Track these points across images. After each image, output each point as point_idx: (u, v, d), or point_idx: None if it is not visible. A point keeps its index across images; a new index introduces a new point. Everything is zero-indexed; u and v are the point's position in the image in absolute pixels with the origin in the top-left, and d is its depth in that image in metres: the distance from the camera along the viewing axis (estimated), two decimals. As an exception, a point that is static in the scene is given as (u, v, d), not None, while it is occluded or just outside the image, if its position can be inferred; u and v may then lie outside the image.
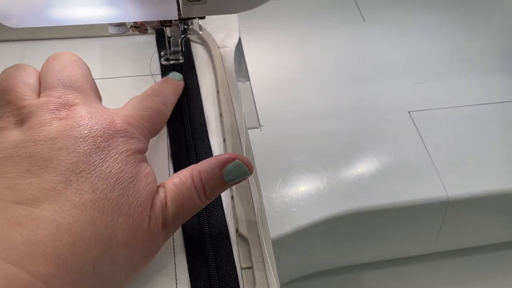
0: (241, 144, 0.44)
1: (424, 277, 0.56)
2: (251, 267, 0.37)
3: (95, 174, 0.29)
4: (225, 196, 0.42)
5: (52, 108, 0.31)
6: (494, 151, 0.50)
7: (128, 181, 0.30)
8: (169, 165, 0.43)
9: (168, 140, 0.45)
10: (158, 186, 0.34)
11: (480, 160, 0.48)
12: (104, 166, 0.30)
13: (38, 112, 0.30)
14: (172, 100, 0.42)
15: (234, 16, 0.56)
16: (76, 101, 0.32)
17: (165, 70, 0.51)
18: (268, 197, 0.44)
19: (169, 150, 0.44)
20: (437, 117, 0.52)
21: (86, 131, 0.30)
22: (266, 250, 0.36)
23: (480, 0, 0.67)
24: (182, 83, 0.44)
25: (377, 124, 0.51)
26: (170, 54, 0.50)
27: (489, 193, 0.46)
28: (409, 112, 0.52)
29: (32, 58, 0.52)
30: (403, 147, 0.49)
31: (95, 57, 0.53)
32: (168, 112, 0.40)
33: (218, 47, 0.53)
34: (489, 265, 0.57)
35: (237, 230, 0.39)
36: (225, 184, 0.35)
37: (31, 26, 0.36)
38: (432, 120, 0.51)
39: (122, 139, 0.32)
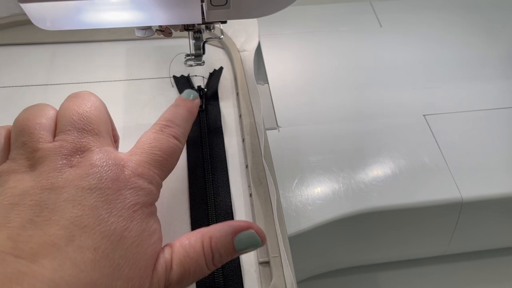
0: (259, 144, 0.45)
1: (437, 279, 0.57)
2: (268, 262, 0.38)
3: (99, 231, 0.28)
4: (243, 193, 0.43)
5: (64, 153, 0.31)
6: (508, 154, 0.50)
7: (131, 241, 0.29)
8: (186, 167, 0.45)
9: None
10: (165, 246, 0.33)
11: (494, 163, 0.49)
12: (110, 222, 0.29)
13: (51, 157, 0.30)
14: (186, 128, 0.39)
15: (254, 21, 0.58)
16: (89, 146, 0.32)
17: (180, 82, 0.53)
18: (285, 196, 0.45)
19: (186, 150, 0.46)
20: (452, 121, 0.53)
21: (94, 182, 0.30)
22: (282, 245, 0.38)
23: (497, 7, 0.68)
24: (197, 102, 0.42)
25: (392, 127, 0.52)
26: (193, 57, 0.52)
27: (503, 195, 0.46)
28: (424, 115, 0.53)
29: (60, 60, 0.55)
30: (417, 150, 0.50)
31: (121, 60, 0.55)
32: (181, 146, 0.38)
33: (238, 51, 0.55)
34: (502, 269, 0.57)
35: (254, 227, 0.40)
36: (235, 252, 0.33)
37: (64, 29, 0.37)
38: (447, 124, 0.52)
39: (130, 191, 0.31)
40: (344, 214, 0.44)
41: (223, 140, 0.47)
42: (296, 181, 0.47)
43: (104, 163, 0.31)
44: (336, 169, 0.48)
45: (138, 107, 0.50)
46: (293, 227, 0.43)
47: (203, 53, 0.52)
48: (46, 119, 0.33)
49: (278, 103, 0.54)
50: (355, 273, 0.56)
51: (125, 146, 0.46)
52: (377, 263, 0.57)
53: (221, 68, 0.53)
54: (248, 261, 0.38)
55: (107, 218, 0.29)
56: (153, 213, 0.33)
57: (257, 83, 0.53)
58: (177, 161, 0.37)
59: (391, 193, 0.46)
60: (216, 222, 0.40)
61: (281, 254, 0.38)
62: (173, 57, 0.54)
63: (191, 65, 0.50)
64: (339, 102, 0.55)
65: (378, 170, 0.48)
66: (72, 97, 0.35)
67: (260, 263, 0.38)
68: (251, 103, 0.49)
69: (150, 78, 0.53)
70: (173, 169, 0.37)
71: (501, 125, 0.53)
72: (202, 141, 0.46)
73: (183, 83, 0.52)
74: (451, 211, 0.46)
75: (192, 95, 0.42)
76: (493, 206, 0.47)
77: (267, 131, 0.48)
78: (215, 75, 0.53)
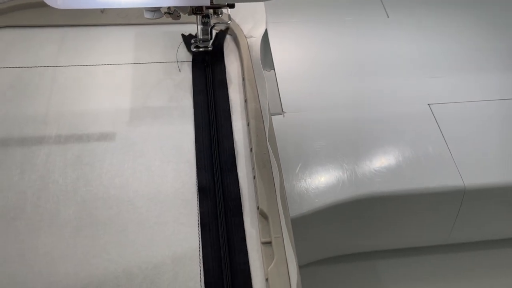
0: (264, 128, 0.46)
1: (437, 268, 0.57)
2: (270, 242, 0.39)
3: None
4: (247, 176, 0.44)
5: None
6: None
7: None
8: (194, 150, 0.46)
9: (193, 123, 0.47)
10: None
11: (498, 153, 0.49)
12: None
13: None
14: None
15: (262, 8, 0.58)
16: None
17: (195, 57, 0.53)
18: (288, 180, 0.46)
19: (194, 133, 0.47)
20: (456, 111, 0.53)
21: None
22: (285, 225, 0.38)
23: (505, 0, 0.68)
24: None
25: (397, 115, 0.52)
26: (200, 42, 0.52)
27: (506, 184, 0.47)
28: (429, 104, 0.54)
29: (70, 42, 0.55)
30: (422, 137, 0.50)
31: (129, 43, 0.56)
32: None
33: (246, 37, 0.56)
34: (502, 260, 0.58)
35: (258, 208, 0.41)
36: None
37: (74, 7, 0.38)
38: (451, 113, 0.53)
39: None
40: (346, 199, 0.45)
41: (230, 122, 0.47)
42: (299, 165, 0.48)
43: None
44: (340, 155, 0.48)
45: (145, 90, 0.51)
46: (295, 210, 0.44)
47: (211, 38, 0.53)
48: None
49: (284, 89, 0.55)
50: (355, 261, 0.57)
51: (133, 128, 0.47)
52: (378, 251, 0.57)
53: (227, 29, 0.54)
54: (251, 241, 0.39)
55: None
56: None
57: (264, 69, 0.53)
58: None
59: (394, 180, 0.46)
60: (224, 206, 0.41)
61: (283, 234, 0.38)
62: (180, 42, 0.55)
63: (198, 49, 0.51)
64: (344, 89, 0.55)
65: (381, 157, 0.48)
66: None
67: (263, 243, 0.39)
68: (257, 88, 0.50)
69: (158, 62, 0.54)
70: None
71: (505, 115, 0.53)
72: (209, 112, 0.46)
73: (190, 39, 0.53)
74: (453, 199, 0.46)
75: None
76: (495, 195, 0.47)
77: (272, 116, 0.49)
78: (221, 34, 0.54)
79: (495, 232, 0.56)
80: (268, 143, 0.44)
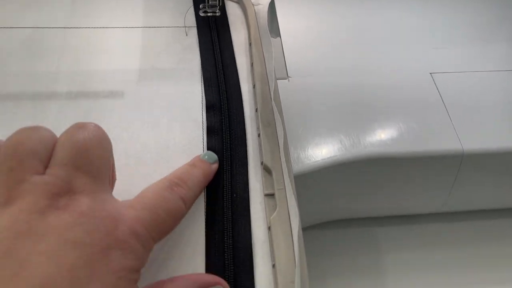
0: (269, 90, 0.47)
1: (434, 237, 0.59)
2: (273, 194, 0.40)
3: None
4: (252, 134, 0.45)
5: (53, 191, 0.26)
6: (512, 112, 0.52)
7: None
8: (202, 111, 0.47)
9: (202, 86, 0.49)
10: None
11: (498, 120, 0.50)
12: None
13: (36, 193, 0.25)
14: (197, 193, 0.37)
15: (269, -24, 0.59)
16: (83, 189, 0.27)
17: (201, 23, 0.54)
18: (292, 139, 0.47)
19: (203, 95, 0.48)
20: (458, 80, 0.54)
21: (81, 235, 0.25)
22: (288, 178, 0.39)
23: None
24: (215, 167, 0.39)
25: (399, 82, 0.53)
26: (208, 7, 0.53)
27: (505, 149, 0.48)
28: (431, 73, 0.54)
29: (81, 4, 0.56)
30: (422, 104, 0.51)
31: (139, 7, 0.57)
32: (186, 210, 0.34)
33: (253, 4, 0.57)
34: (499, 230, 0.59)
35: (262, 163, 0.42)
36: None
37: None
38: (453, 82, 0.54)
39: (119, 252, 0.26)
40: (346, 159, 0.46)
41: (239, 83, 0.49)
42: (302, 127, 0.49)
43: (97, 214, 0.27)
44: (342, 118, 0.49)
45: (154, 52, 0.52)
46: (296, 167, 0.45)
47: (219, 4, 0.54)
48: (42, 146, 0.28)
49: (289, 55, 0.56)
50: (353, 227, 0.58)
51: (141, 87, 0.48)
52: (376, 217, 0.59)
53: None
54: (255, 194, 0.40)
55: (86, 284, 0.24)
56: (137, 280, 0.28)
57: (270, 36, 0.54)
58: (176, 225, 0.33)
59: (394, 142, 0.47)
60: (231, 153, 0.43)
61: (286, 186, 0.39)
62: (189, 6, 0.56)
63: (206, 14, 0.52)
64: (348, 57, 0.56)
65: (382, 121, 0.49)
66: (77, 127, 0.30)
67: (266, 195, 0.40)
68: (263, 53, 0.51)
69: (167, 27, 0.55)
70: (169, 233, 0.33)
71: (508, 86, 0.54)
72: (220, 93, 0.47)
73: (199, 3, 0.54)
74: (452, 162, 0.47)
75: (213, 159, 0.40)
76: (493, 160, 0.48)
77: (277, 81, 0.50)
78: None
79: (493, 201, 0.57)
80: (273, 102, 0.45)
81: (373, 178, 0.49)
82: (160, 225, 0.30)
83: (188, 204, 0.34)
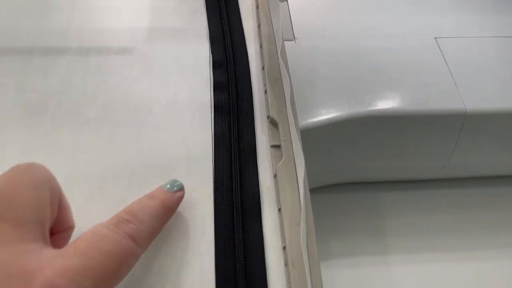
0: (276, 49, 0.48)
1: (434, 203, 0.60)
2: (279, 145, 0.41)
3: None
4: (259, 91, 0.46)
5: None
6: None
7: None
8: (209, 69, 0.48)
9: (209, 46, 0.49)
10: None
11: (501, 82, 0.50)
12: None
13: None
14: (154, 227, 0.31)
15: None
16: None
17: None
18: (298, 96, 0.47)
19: (210, 54, 0.49)
20: (462, 45, 0.54)
21: None
22: (294, 129, 0.40)
23: None
24: (179, 196, 0.35)
25: (404, 46, 0.54)
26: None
27: (507, 110, 0.48)
28: (435, 38, 0.55)
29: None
30: (426, 67, 0.52)
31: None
32: (139, 250, 0.29)
33: (260, -33, 0.57)
34: (501, 197, 0.60)
35: (268, 117, 0.43)
36: None
37: None
38: (457, 47, 0.54)
39: None
40: (350, 116, 0.47)
41: (245, 43, 0.49)
42: (308, 85, 0.49)
43: (6, 271, 0.22)
44: (347, 79, 0.50)
45: (163, 13, 0.53)
46: (301, 125, 0.46)
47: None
48: None
49: (296, 18, 0.56)
50: (356, 191, 0.59)
51: (150, 45, 0.49)
52: (378, 182, 0.59)
53: None
54: (261, 146, 0.41)
55: None
56: None
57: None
58: (129, 270, 0.28)
59: (398, 102, 0.48)
60: (237, 108, 0.43)
61: (292, 137, 0.40)
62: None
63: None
64: (354, 20, 0.56)
65: (387, 83, 0.50)
66: (14, 169, 0.27)
67: (272, 146, 0.41)
68: (270, 14, 0.52)
69: None
70: (119, 282, 0.27)
71: (511, 51, 0.55)
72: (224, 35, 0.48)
73: None
74: (455, 122, 0.48)
75: (176, 186, 0.35)
76: (496, 121, 0.49)
77: (284, 42, 0.50)
78: None
79: (495, 167, 0.58)
80: (280, 60, 0.46)
81: (377, 137, 0.49)
82: (98, 271, 0.25)
83: (142, 241, 0.29)
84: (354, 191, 0.60)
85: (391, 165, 0.54)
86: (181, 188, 0.35)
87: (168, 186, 0.35)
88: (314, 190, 0.57)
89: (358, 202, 0.60)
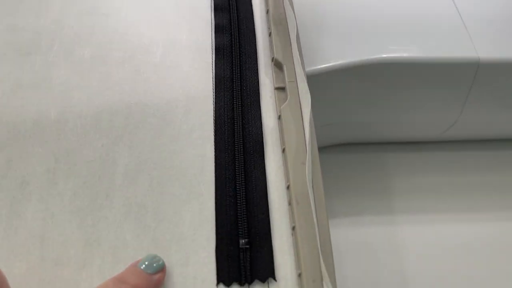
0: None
1: (439, 165, 0.59)
2: (284, 88, 0.39)
3: None
4: (263, 32, 0.44)
5: None
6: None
7: None
8: (211, 11, 0.45)
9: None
10: None
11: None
12: None
13: None
14: None
15: None
16: None
17: None
18: (304, 41, 0.45)
19: (212, 0, 0.46)
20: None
21: None
22: (300, 69, 0.38)
23: None
24: (158, 277, 0.27)
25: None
26: None
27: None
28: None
29: None
30: (438, 16, 0.49)
31: None
32: None
33: None
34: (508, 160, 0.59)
35: (273, 59, 0.41)
36: None
37: None
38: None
39: None
40: (359, 62, 0.45)
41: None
42: (315, 29, 0.47)
43: None
44: (356, 24, 0.48)
45: None
46: (307, 70, 0.44)
47: None
48: None
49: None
50: (359, 152, 0.58)
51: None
52: (382, 142, 0.58)
53: None
54: (264, 89, 0.39)
55: None
56: None
57: None
58: None
59: (407, 48, 0.46)
60: (240, 50, 0.41)
61: (297, 77, 0.38)
62: None
63: None
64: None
65: (397, 30, 0.48)
66: None
67: (276, 89, 0.39)
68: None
69: None
70: None
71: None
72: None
73: None
74: (467, 71, 0.46)
75: (154, 264, 0.28)
76: (509, 71, 0.47)
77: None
78: None
79: (505, 128, 0.56)
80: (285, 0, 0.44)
81: (385, 86, 0.47)
82: None
83: None
84: (359, 152, 0.58)
85: (398, 120, 0.52)
86: (161, 269, 0.28)
87: (145, 265, 0.27)
88: (318, 150, 0.56)
89: (363, 163, 0.58)
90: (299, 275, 0.29)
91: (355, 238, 0.53)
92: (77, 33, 0.42)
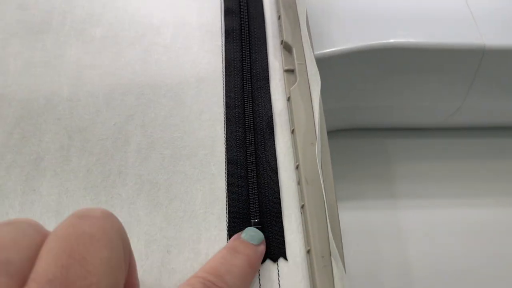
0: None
1: (442, 151, 0.59)
2: (293, 70, 0.39)
3: None
4: (272, 17, 0.44)
5: None
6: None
7: None
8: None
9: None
10: None
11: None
12: None
13: None
14: None
15: None
16: None
17: None
18: (312, 24, 0.46)
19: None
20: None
21: None
22: (309, 50, 0.39)
23: None
24: (262, 249, 0.29)
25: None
26: None
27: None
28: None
29: None
30: (445, 1, 0.50)
31: None
32: None
33: None
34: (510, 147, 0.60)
35: (282, 42, 0.41)
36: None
37: None
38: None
39: None
40: (365, 46, 0.45)
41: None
42: (324, 15, 0.48)
43: None
44: (363, 9, 0.48)
45: None
46: (315, 53, 0.44)
47: None
48: (19, 252, 0.19)
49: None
50: (362, 137, 0.59)
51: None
52: (386, 128, 0.58)
53: None
54: (273, 72, 0.40)
55: None
56: None
57: None
58: None
59: (414, 34, 0.46)
60: (249, 33, 0.42)
61: (307, 59, 0.39)
62: None
63: None
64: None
65: (403, 16, 0.48)
66: (76, 217, 0.21)
67: (285, 71, 0.39)
68: None
69: None
70: None
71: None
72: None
73: None
74: (472, 58, 0.46)
75: (257, 239, 0.29)
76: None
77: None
78: None
79: (508, 116, 0.57)
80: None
81: (391, 71, 0.48)
82: None
83: None
84: (361, 137, 0.59)
85: (402, 105, 0.53)
86: (262, 241, 0.30)
87: (248, 236, 0.29)
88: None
89: (365, 148, 0.59)
90: (308, 251, 0.30)
91: (358, 221, 0.54)
92: (88, 12, 0.42)
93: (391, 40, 0.45)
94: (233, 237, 0.30)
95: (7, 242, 0.19)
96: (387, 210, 0.55)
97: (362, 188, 0.56)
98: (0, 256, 0.18)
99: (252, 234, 0.29)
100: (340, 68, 0.47)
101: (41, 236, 0.20)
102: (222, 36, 0.42)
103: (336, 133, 0.58)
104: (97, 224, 0.20)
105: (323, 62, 0.45)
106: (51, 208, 0.31)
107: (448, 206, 0.56)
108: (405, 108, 0.53)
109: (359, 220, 0.54)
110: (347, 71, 0.47)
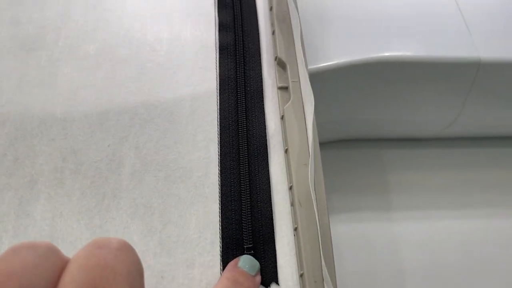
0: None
1: (437, 161, 0.59)
2: (287, 87, 0.39)
3: None
4: (266, 29, 0.44)
5: None
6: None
7: None
8: (214, 8, 0.45)
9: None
10: None
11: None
12: None
13: None
14: None
15: None
16: None
17: None
18: (307, 38, 0.46)
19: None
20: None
21: None
22: (303, 69, 0.38)
23: None
24: (258, 280, 0.30)
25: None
26: None
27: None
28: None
29: None
30: (439, 14, 0.49)
31: None
32: None
33: None
34: (503, 157, 0.60)
35: (276, 58, 0.41)
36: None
37: None
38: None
39: None
40: (361, 60, 0.45)
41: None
42: (319, 28, 0.47)
43: None
44: (358, 23, 0.48)
45: None
46: (310, 68, 0.44)
47: None
48: (43, 278, 0.19)
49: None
50: (358, 148, 0.59)
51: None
52: (381, 139, 0.58)
53: None
54: (268, 89, 0.40)
55: None
56: None
57: None
58: None
59: (409, 47, 0.46)
60: (243, 48, 0.42)
61: (301, 76, 0.39)
62: None
63: None
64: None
65: (399, 29, 0.48)
66: (95, 246, 0.20)
67: (279, 88, 0.39)
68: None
69: None
70: None
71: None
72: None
73: None
74: (468, 71, 0.46)
75: (255, 268, 0.30)
76: (510, 71, 0.47)
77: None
78: None
79: (504, 126, 0.57)
80: (288, -2, 0.44)
81: (386, 84, 0.48)
82: None
83: None
84: (358, 148, 0.59)
85: (398, 117, 0.53)
86: (259, 271, 0.30)
87: (248, 267, 0.30)
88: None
89: (362, 159, 0.59)
90: (301, 275, 0.30)
91: (353, 233, 0.54)
92: (82, 28, 0.42)
93: (386, 54, 0.45)
94: (230, 265, 0.30)
95: (30, 267, 0.19)
96: (382, 221, 0.55)
97: (357, 199, 0.56)
98: (23, 281, 0.18)
99: (252, 264, 0.30)
100: (335, 82, 0.47)
101: (62, 261, 0.20)
102: (216, 52, 0.42)
103: (331, 144, 0.58)
104: (119, 257, 0.20)
105: (318, 76, 0.45)
106: (45, 233, 0.31)
107: (444, 217, 0.56)
108: (401, 120, 0.54)
109: (354, 231, 0.54)
110: (343, 85, 0.47)
